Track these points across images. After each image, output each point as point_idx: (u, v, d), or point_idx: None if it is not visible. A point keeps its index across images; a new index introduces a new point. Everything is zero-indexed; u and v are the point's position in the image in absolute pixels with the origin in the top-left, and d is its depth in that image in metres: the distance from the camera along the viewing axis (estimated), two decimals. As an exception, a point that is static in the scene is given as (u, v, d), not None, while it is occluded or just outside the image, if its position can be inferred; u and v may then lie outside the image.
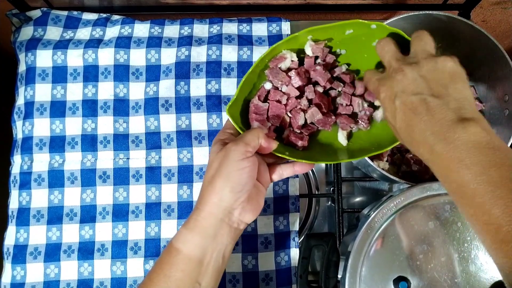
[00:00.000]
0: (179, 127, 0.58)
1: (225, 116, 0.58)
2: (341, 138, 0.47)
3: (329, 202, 0.68)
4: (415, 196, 0.46)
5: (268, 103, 0.46)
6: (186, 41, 0.60)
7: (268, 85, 0.47)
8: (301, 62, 0.48)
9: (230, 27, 0.61)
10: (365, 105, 0.48)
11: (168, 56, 0.59)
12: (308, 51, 0.47)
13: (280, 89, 0.47)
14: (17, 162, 0.57)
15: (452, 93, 0.34)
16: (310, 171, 0.69)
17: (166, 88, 0.58)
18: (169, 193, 0.56)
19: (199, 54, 0.59)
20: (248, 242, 0.55)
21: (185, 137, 0.57)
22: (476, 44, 0.55)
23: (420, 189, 0.46)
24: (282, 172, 0.45)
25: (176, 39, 0.60)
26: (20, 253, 0.54)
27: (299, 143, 0.46)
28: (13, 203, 0.56)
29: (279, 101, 0.46)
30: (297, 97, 0.47)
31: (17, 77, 0.60)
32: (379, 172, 0.51)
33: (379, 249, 0.45)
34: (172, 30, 0.61)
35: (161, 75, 0.59)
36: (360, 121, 0.47)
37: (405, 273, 0.44)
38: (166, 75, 0.59)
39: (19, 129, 0.58)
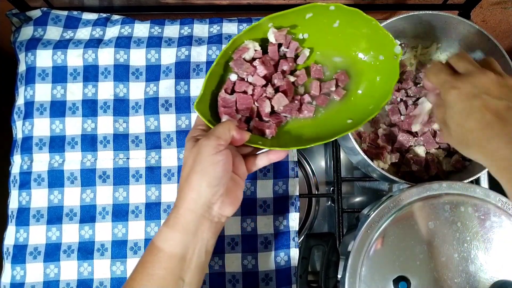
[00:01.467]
0: (179, 127, 0.58)
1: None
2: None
3: (329, 202, 0.68)
4: (415, 196, 0.46)
5: (235, 95, 0.46)
6: (186, 41, 0.60)
7: (233, 77, 0.47)
8: (264, 51, 0.48)
9: (230, 27, 0.61)
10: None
11: (168, 56, 0.59)
12: (271, 38, 0.47)
13: (246, 79, 0.47)
14: (17, 162, 0.57)
15: None
16: (310, 171, 0.69)
17: (166, 88, 0.58)
18: (169, 193, 0.56)
19: (199, 54, 0.59)
20: (248, 242, 0.55)
21: (185, 137, 0.57)
22: (476, 44, 0.55)
23: (420, 189, 0.46)
24: (257, 162, 0.45)
25: (176, 39, 0.60)
26: (20, 253, 0.54)
27: (267, 131, 0.46)
28: (13, 203, 0.56)
29: (245, 92, 0.46)
30: (263, 86, 0.47)
31: (17, 77, 0.60)
32: (379, 172, 0.51)
33: (379, 249, 0.45)
34: (172, 30, 0.61)
35: (161, 75, 0.59)
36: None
37: (405, 273, 0.44)
38: (166, 75, 0.59)
39: (19, 129, 0.58)
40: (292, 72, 0.49)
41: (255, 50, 0.47)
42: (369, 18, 0.46)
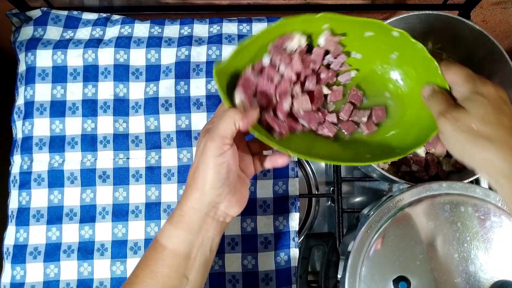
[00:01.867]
0: (179, 127, 0.58)
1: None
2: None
3: (329, 202, 0.68)
4: (415, 196, 0.46)
5: (260, 78, 0.42)
6: (186, 41, 0.60)
7: (266, 60, 0.42)
8: (309, 50, 0.44)
9: (230, 27, 0.61)
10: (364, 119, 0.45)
11: (168, 56, 0.59)
12: (322, 41, 0.43)
13: (277, 68, 0.43)
14: (17, 162, 0.57)
15: None
16: (310, 171, 0.69)
17: (166, 88, 0.58)
18: (169, 193, 0.56)
19: (199, 54, 0.59)
20: (248, 242, 0.55)
21: (185, 137, 0.57)
22: (476, 44, 0.55)
23: (420, 189, 0.46)
24: (265, 163, 0.44)
25: (176, 39, 0.60)
26: (20, 253, 0.54)
27: (276, 129, 0.41)
28: (13, 203, 0.56)
29: (271, 80, 0.42)
30: (292, 82, 0.43)
31: (17, 77, 0.60)
32: (379, 172, 0.51)
33: (379, 249, 0.45)
34: (172, 30, 0.61)
35: (161, 75, 0.59)
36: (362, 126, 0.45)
37: (405, 273, 0.44)
38: (166, 75, 0.59)
39: (19, 129, 0.58)
40: (328, 85, 0.46)
41: (299, 45, 0.43)
42: (431, 59, 0.40)
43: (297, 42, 0.42)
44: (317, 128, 0.44)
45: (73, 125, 0.57)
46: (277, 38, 0.42)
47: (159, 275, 0.37)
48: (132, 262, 0.54)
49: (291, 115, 0.44)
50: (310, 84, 0.44)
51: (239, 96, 0.39)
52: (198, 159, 0.38)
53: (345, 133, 0.45)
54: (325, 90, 0.45)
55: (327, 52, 0.44)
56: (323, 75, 0.45)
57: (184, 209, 0.38)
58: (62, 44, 0.59)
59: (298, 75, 0.43)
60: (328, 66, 0.45)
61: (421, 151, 0.55)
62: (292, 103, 0.43)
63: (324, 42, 0.43)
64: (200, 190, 0.37)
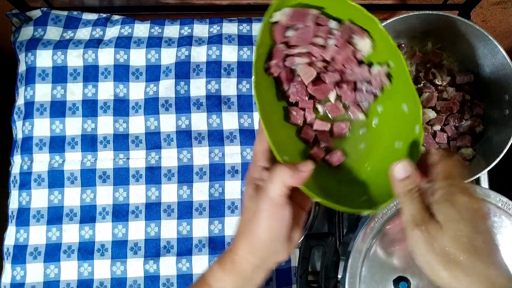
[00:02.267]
0: (179, 127, 0.58)
1: (225, 117, 0.58)
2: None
3: (329, 202, 0.68)
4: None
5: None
6: (186, 41, 0.60)
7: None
8: None
9: (230, 27, 0.61)
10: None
11: (168, 56, 0.59)
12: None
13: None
14: (17, 162, 0.57)
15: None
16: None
17: (166, 88, 0.58)
18: (169, 193, 0.56)
19: (199, 54, 0.59)
20: (248, 242, 0.55)
21: (185, 137, 0.57)
22: (476, 44, 0.55)
23: (420, 189, 0.46)
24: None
25: (176, 39, 0.60)
26: (20, 253, 0.54)
27: (334, 159, 0.39)
28: (13, 203, 0.56)
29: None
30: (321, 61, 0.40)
31: (17, 77, 0.60)
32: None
33: (379, 249, 0.45)
34: (172, 30, 0.61)
35: (161, 75, 0.59)
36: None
37: (405, 273, 0.44)
38: (166, 75, 0.59)
39: (19, 129, 0.58)
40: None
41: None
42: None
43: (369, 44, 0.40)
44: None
45: (73, 125, 0.57)
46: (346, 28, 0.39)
47: None
48: (132, 262, 0.54)
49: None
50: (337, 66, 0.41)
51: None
52: (249, 218, 0.36)
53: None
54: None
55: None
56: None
57: (235, 258, 0.37)
58: (62, 44, 0.59)
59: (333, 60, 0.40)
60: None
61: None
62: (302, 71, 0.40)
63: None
64: (251, 245, 0.37)
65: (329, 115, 0.42)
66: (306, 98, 0.41)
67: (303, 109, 0.41)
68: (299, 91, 0.40)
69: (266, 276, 0.39)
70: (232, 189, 0.57)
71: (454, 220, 0.33)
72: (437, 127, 0.56)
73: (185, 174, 0.57)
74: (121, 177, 0.56)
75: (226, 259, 0.38)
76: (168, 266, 0.54)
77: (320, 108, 0.42)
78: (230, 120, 0.58)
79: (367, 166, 0.42)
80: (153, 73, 0.59)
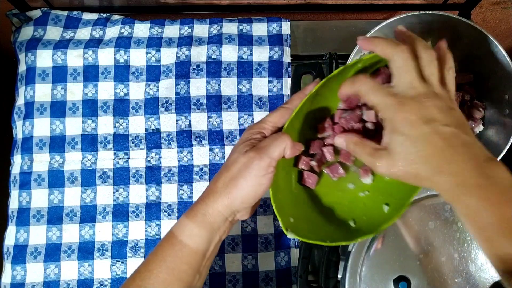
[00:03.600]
0: (179, 127, 0.58)
1: (225, 117, 0.58)
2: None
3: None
4: (415, 196, 0.46)
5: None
6: (186, 41, 0.60)
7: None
8: None
9: (230, 27, 0.61)
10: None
11: (168, 56, 0.59)
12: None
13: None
14: (17, 162, 0.57)
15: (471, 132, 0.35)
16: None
17: (166, 88, 0.58)
18: (169, 193, 0.56)
19: (199, 54, 0.59)
20: (248, 242, 0.55)
21: (185, 137, 0.57)
22: (476, 44, 0.55)
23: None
24: None
25: (176, 39, 0.60)
26: (20, 253, 0.54)
27: (310, 181, 0.44)
28: (13, 203, 0.56)
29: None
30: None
31: (17, 77, 0.60)
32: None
33: (379, 249, 0.45)
34: (172, 30, 0.61)
35: (161, 75, 0.59)
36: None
37: (405, 273, 0.44)
38: (166, 75, 0.59)
39: (19, 129, 0.58)
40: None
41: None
42: None
43: None
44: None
45: (73, 125, 0.57)
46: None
47: (176, 271, 0.38)
48: (132, 262, 0.54)
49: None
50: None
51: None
52: (238, 170, 0.38)
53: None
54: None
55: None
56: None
57: (209, 211, 0.38)
58: (62, 44, 0.59)
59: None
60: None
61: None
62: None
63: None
64: (231, 200, 0.38)
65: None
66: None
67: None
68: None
69: (229, 230, 0.41)
70: (232, 189, 0.57)
71: (399, 146, 0.35)
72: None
73: (185, 174, 0.57)
74: (121, 177, 0.56)
75: (198, 212, 0.39)
76: (168, 266, 0.54)
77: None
78: (230, 120, 0.58)
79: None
80: (153, 73, 0.59)
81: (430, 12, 0.53)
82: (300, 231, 0.41)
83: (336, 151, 0.45)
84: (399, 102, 0.35)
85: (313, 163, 0.44)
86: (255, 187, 0.38)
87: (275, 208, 0.40)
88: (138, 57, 0.59)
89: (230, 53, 0.59)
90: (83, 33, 0.61)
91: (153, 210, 0.56)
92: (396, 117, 0.35)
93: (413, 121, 0.34)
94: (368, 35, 0.54)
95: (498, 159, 0.50)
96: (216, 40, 0.60)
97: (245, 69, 0.59)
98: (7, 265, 0.54)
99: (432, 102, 0.35)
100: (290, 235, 0.40)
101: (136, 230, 0.55)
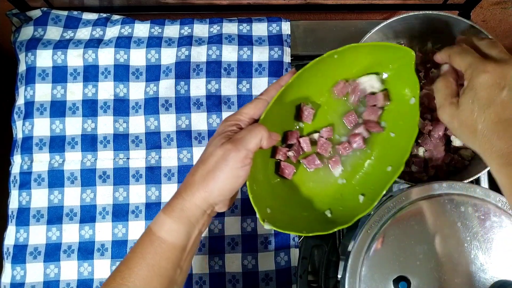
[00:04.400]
0: (179, 127, 0.58)
1: (225, 117, 0.58)
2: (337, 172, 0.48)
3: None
4: (415, 196, 0.46)
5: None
6: (186, 41, 0.60)
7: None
8: None
9: (230, 27, 0.61)
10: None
11: (168, 56, 0.59)
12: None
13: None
14: (17, 162, 0.57)
15: None
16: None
17: (166, 88, 0.58)
18: (169, 193, 0.56)
19: (199, 54, 0.59)
20: (248, 242, 0.55)
21: (185, 137, 0.57)
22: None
23: (420, 189, 0.46)
24: None
25: (176, 39, 0.60)
26: (20, 253, 0.54)
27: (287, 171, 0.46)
28: (13, 203, 0.56)
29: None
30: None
31: (17, 77, 0.60)
32: (379, 172, 0.51)
33: (379, 249, 0.45)
34: (172, 30, 0.61)
35: (161, 75, 0.59)
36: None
37: (405, 273, 0.44)
38: (166, 75, 0.59)
39: (19, 129, 0.58)
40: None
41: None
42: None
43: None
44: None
45: (73, 125, 0.57)
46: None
47: (156, 267, 0.38)
48: (132, 262, 0.54)
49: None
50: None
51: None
52: (215, 163, 0.38)
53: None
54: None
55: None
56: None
57: (187, 206, 0.38)
58: (62, 44, 0.59)
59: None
60: None
61: (420, 152, 0.55)
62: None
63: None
64: (209, 192, 0.38)
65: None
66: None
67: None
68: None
69: (208, 223, 0.41)
70: (232, 189, 0.57)
71: (468, 100, 0.38)
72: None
73: (185, 174, 0.56)
74: (121, 177, 0.56)
75: (175, 207, 0.39)
76: (168, 266, 0.54)
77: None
78: (230, 120, 0.58)
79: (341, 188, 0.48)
80: (153, 73, 0.59)
81: (430, 12, 0.53)
82: (277, 222, 0.42)
83: (313, 142, 0.47)
84: (483, 63, 0.38)
85: (290, 153, 0.46)
86: (233, 179, 0.38)
87: (252, 199, 0.40)
88: (138, 57, 0.59)
89: (230, 53, 0.59)
90: (83, 33, 0.61)
91: (153, 210, 0.56)
92: (477, 76, 0.38)
93: (491, 81, 0.37)
94: (368, 35, 0.54)
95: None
96: (216, 40, 0.60)
97: (245, 69, 0.59)
98: (7, 265, 0.54)
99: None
100: (267, 226, 0.41)
101: (136, 230, 0.55)
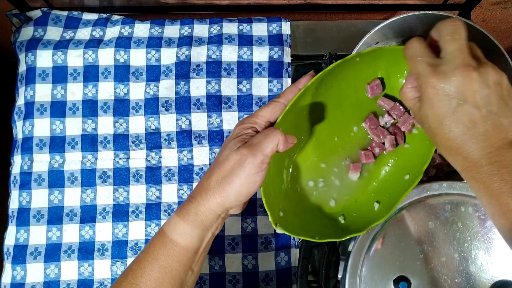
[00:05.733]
0: (179, 127, 0.58)
1: (225, 117, 0.58)
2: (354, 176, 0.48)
3: (329, 202, 0.68)
4: (415, 196, 0.46)
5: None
6: (186, 41, 0.60)
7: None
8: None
9: (230, 27, 0.61)
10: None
11: (168, 56, 0.59)
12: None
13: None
14: (17, 162, 0.57)
15: (507, 111, 0.34)
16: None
17: (166, 88, 0.58)
18: (169, 193, 0.56)
19: (199, 54, 0.59)
20: (248, 242, 0.55)
21: (185, 137, 0.57)
22: (476, 44, 0.55)
23: (420, 189, 0.46)
24: None
25: (176, 39, 0.60)
26: (20, 253, 0.54)
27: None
28: (13, 203, 0.56)
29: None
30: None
31: (17, 77, 0.60)
32: (379, 172, 0.51)
33: (379, 249, 0.45)
34: (172, 30, 0.61)
35: (161, 75, 0.59)
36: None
37: (405, 273, 0.44)
38: (166, 75, 0.59)
39: (19, 129, 0.58)
40: None
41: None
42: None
43: None
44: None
45: (74, 126, 0.57)
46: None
47: (168, 269, 0.38)
48: (132, 262, 0.54)
49: None
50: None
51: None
52: (231, 168, 0.38)
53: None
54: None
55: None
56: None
57: (201, 210, 0.38)
58: (62, 45, 0.59)
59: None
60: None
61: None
62: None
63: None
64: (224, 197, 0.38)
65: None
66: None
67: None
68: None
69: (221, 226, 0.41)
70: (232, 189, 0.57)
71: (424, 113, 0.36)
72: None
73: (185, 174, 0.57)
74: (121, 177, 0.56)
75: (189, 211, 0.38)
76: (168, 266, 0.54)
77: None
78: (230, 120, 0.58)
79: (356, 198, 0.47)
80: (153, 73, 0.59)
81: (430, 12, 0.53)
82: (290, 226, 0.42)
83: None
84: (435, 72, 0.35)
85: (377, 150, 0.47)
86: (249, 184, 0.37)
87: (265, 203, 0.40)
88: (138, 57, 0.59)
89: (230, 53, 0.59)
90: (83, 33, 0.61)
91: (153, 210, 0.56)
92: (426, 90, 0.35)
93: (440, 95, 0.35)
94: (368, 35, 0.54)
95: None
96: (216, 40, 0.60)
97: (245, 69, 0.59)
98: (7, 265, 0.54)
99: (470, 79, 0.34)
100: (279, 230, 0.41)
101: (136, 230, 0.55)
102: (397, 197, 0.43)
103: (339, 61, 0.42)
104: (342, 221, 0.45)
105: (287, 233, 0.41)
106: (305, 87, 0.41)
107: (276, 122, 0.41)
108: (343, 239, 0.42)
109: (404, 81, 0.45)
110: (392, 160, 0.47)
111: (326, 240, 0.42)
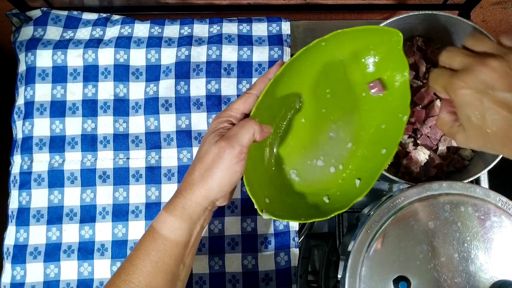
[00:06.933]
0: (179, 127, 0.58)
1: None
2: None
3: (329, 202, 0.68)
4: (415, 196, 0.46)
5: None
6: (186, 41, 0.60)
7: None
8: None
9: (230, 27, 0.61)
10: None
11: (168, 56, 0.59)
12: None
13: None
14: (17, 162, 0.57)
15: None
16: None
17: (166, 88, 0.58)
18: (169, 193, 0.56)
19: (199, 54, 0.59)
20: (248, 242, 0.55)
21: (185, 137, 0.57)
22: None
23: (420, 189, 0.46)
24: None
25: (176, 39, 0.60)
26: (20, 253, 0.54)
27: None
28: (13, 203, 0.56)
29: None
30: None
31: (17, 77, 0.60)
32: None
33: (379, 249, 0.45)
34: (172, 30, 0.61)
35: (161, 75, 0.59)
36: None
37: (405, 273, 0.44)
38: (166, 75, 0.59)
39: (19, 129, 0.58)
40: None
41: None
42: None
43: None
44: None
45: (73, 125, 0.57)
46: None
47: (160, 264, 0.39)
48: (132, 262, 0.54)
49: None
50: None
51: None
52: (211, 161, 0.39)
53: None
54: None
55: None
56: None
57: (188, 203, 0.39)
58: (62, 44, 0.59)
59: None
60: None
61: (421, 157, 0.55)
62: None
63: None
64: (208, 190, 0.39)
65: None
66: None
67: None
68: None
69: (209, 218, 0.43)
70: (232, 189, 0.57)
71: (467, 121, 0.37)
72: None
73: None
74: (121, 177, 0.56)
75: (177, 206, 0.40)
76: (168, 266, 0.54)
77: None
78: (230, 120, 0.58)
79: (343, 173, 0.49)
80: (153, 73, 0.59)
81: (430, 12, 0.53)
82: (276, 211, 0.43)
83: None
84: (455, 78, 0.37)
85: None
86: (230, 175, 0.39)
87: (249, 191, 0.41)
88: (138, 57, 0.59)
89: (230, 53, 0.59)
90: (83, 33, 0.61)
91: (153, 210, 0.56)
92: (455, 95, 0.37)
93: (469, 93, 0.35)
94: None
95: (498, 159, 0.50)
96: (216, 40, 0.60)
97: (245, 69, 0.59)
98: (7, 265, 0.54)
99: (487, 67, 0.35)
100: (265, 216, 0.42)
101: (136, 230, 0.55)
102: (376, 172, 0.45)
103: (305, 47, 0.43)
104: (327, 201, 0.47)
105: (273, 218, 0.42)
106: (275, 77, 0.43)
107: (250, 113, 0.43)
108: (328, 217, 0.44)
109: (371, 59, 0.47)
110: (368, 136, 0.49)
111: (312, 220, 0.44)
